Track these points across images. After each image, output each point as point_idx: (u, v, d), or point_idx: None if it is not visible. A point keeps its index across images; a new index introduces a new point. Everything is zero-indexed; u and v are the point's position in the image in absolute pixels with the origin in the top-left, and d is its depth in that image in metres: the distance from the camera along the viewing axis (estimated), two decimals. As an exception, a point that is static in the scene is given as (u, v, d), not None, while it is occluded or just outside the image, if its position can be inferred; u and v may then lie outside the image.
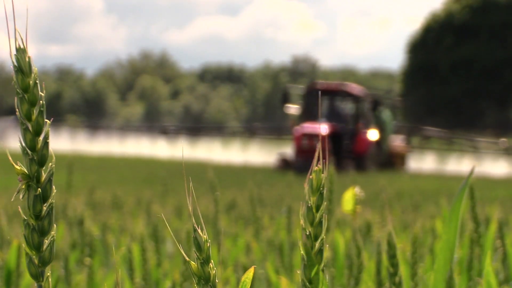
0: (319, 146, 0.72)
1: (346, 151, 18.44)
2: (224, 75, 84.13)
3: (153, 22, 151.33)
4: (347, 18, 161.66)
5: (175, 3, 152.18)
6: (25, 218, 0.72)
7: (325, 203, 0.75)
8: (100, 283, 2.24)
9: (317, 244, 0.75)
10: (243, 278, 0.78)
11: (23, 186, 0.71)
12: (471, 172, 1.41)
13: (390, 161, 20.24)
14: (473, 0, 44.69)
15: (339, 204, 2.54)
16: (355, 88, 20.15)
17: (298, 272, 0.76)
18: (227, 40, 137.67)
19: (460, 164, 21.91)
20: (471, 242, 2.08)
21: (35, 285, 0.73)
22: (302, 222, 0.75)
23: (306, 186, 0.75)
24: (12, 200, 0.78)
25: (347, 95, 19.37)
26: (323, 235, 0.75)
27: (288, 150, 19.80)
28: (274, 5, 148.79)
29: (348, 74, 76.93)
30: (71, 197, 4.57)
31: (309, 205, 0.75)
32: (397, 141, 21.41)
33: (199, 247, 0.73)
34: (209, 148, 24.58)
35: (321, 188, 0.75)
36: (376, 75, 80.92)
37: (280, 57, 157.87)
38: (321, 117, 18.55)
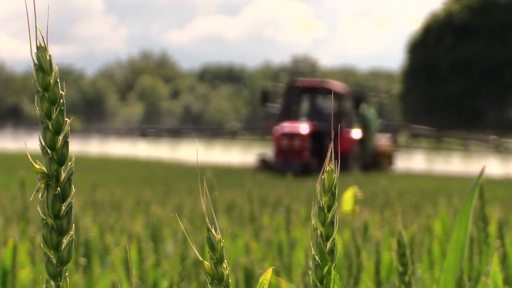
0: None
1: (328, 150, 17.89)
2: (224, 75, 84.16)
3: (153, 22, 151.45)
4: (347, 18, 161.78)
5: (175, 3, 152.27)
6: (44, 217, 0.71)
7: (336, 203, 0.75)
8: (96, 282, 2.23)
9: (328, 245, 0.75)
10: (261, 280, 0.78)
11: (42, 185, 0.71)
12: (482, 172, 1.39)
13: (376, 160, 19.78)
14: (473, 0, 44.72)
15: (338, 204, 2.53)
16: (336, 85, 19.60)
17: (309, 272, 0.75)
18: (227, 40, 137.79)
19: (449, 163, 21.64)
20: (471, 241, 2.07)
21: (47, 285, 0.72)
22: (313, 222, 0.74)
23: (318, 186, 0.74)
24: (31, 199, 0.77)
25: (328, 92, 18.81)
26: (334, 235, 0.75)
27: (269, 150, 19.37)
28: (274, 5, 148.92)
29: (348, 74, 76.97)
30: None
31: (321, 205, 0.74)
32: (383, 140, 20.90)
33: (212, 247, 0.73)
34: (192, 150, 24.42)
35: (333, 189, 0.74)
36: (376, 75, 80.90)
37: (280, 57, 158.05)
38: (302, 116, 18.24)
